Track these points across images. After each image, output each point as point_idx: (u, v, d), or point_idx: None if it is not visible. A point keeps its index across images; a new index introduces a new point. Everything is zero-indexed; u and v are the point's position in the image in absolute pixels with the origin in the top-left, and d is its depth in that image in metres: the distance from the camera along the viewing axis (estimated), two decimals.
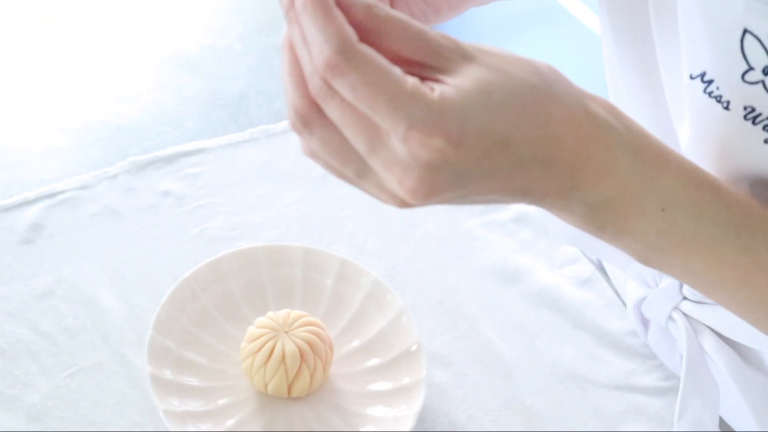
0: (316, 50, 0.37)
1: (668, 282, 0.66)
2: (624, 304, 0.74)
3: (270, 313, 0.65)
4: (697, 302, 0.64)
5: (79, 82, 0.90)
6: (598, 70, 0.64)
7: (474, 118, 0.37)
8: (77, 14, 0.97)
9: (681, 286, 0.65)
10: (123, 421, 0.63)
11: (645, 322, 0.71)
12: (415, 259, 0.76)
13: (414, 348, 0.66)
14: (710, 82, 0.46)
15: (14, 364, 0.65)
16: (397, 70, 0.37)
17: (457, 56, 0.38)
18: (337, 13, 0.37)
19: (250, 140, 0.83)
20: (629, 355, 0.71)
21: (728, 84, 0.45)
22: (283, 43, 0.39)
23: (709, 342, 0.64)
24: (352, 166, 0.39)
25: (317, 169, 0.81)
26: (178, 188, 0.79)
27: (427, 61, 0.38)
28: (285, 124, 0.85)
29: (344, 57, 0.36)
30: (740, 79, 0.44)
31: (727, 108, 0.46)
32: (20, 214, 0.75)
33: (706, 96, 0.46)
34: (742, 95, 0.45)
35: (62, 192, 0.76)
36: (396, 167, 0.38)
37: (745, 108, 0.45)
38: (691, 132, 0.49)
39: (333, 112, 0.38)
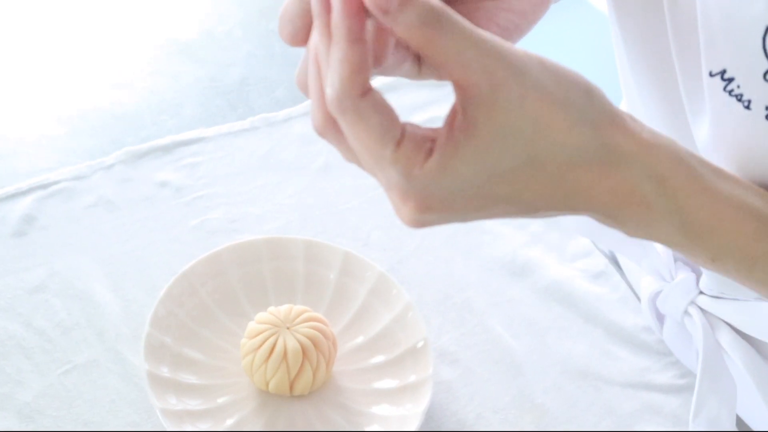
0: (330, 75, 0.38)
1: (684, 276, 0.65)
2: (638, 298, 0.73)
3: (271, 308, 0.64)
4: (714, 297, 0.64)
5: (73, 69, 0.88)
6: (610, 55, 0.63)
7: (458, 188, 0.38)
8: None
9: (697, 280, 0.65)
10: (118, 420, 0.63)
11: (660, 317, 0.70)
12: (422, 252, 0.75)
13: (420, 344, 0.66)
14: (731, 80, 0.45)
15: (6, 361, 0.64)
16: (388, 132, 0.38)
17: (487, 96, 0.38)
18: (359, 48, 0.37)
19: (250, 129, 0.83)
20: (643, 352, 0.70)
21: (749, 83, 0.45)
22: (308, 47, 0.40)
23: (726, 338, 0.64)
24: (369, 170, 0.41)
25: (320, 159, 0.81)
26: (176, 179, 0.78)
27: (462, 85, 0.38)
28: (286, 112, 0.85)
29: (341, 104, 0.37)
30: (762, 79, 0.44)
31: (748, 107, 0.45)
32: (12, 205, 0.74)
33: (726, 94, 0.46)
34: (764, 94, 0.44)
35: (55, 182, 0.76)
36: (394, 190, 0.40)
37: (766, 108, 0.45)
38: (710, 131, 0.48)
39: (343, 127, 0.39)
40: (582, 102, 0.39)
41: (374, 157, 0.38)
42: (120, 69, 0.89)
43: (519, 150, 0.38)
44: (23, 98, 0.85)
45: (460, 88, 0.38)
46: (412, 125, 0.39)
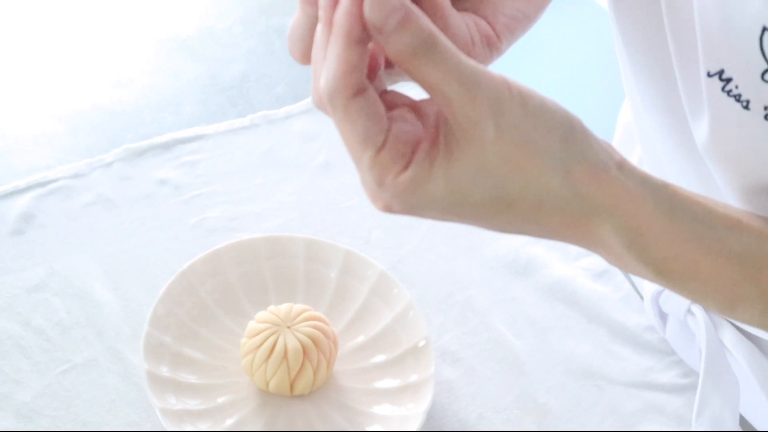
0: (325, 68, 0.38)
1: None
2: (641, 297, 0.73)
3: (271, 307, 0.64)
4: None
5: (72, 66, 0.88)
6: (613, 53, 0.62)
7: (425, 204, 0.39)
8: None
9: None
10: (118, 420, 0.62)
11: (663, 316, 0.70)
12: (423, 250, 0.74)
13: (422, 344, 0.65)
14: (729, 80, 0.45)
15: (4, 360, 0.64)
16: (370, 138, 0.38)
17: (464, 130, 0.38)
18: (356, 49, 0.37)
19: (250, 126, 0.82)
20: (647, 351, 0.70)
21: (747, 83, 0.45)
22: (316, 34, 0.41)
23: (729, 336, 0.63)
24: None
25: (320, 157, 0.80)
26: (176, 176, 0.77)
27: (443, 113, 0.39)
28: (287, 109, 0.84)
29: (331, 100, 0.38)
30: (760, 78, 0.44)
31: (746, 107, 0.45)
32: (10, 203, 0.73)
33: (725, 95, 0.46)
34: (762, 94, 0.44)
35: (54, 180, 0.75)
36: (366, 188, 0.41)
37: (765, 108, 0.45)
38: (710, 131, 0.48)
39: (331, 118, 0.40)
40: (557, 148, 0.40)
41: (353, 155, 0.39)
42: (119, 66, 0.89)
43: (489, 187, 0.39)
44: (22, 96, 0.85)
45: (441, 114, 0.39)
46: (401, 126, 0.39)
